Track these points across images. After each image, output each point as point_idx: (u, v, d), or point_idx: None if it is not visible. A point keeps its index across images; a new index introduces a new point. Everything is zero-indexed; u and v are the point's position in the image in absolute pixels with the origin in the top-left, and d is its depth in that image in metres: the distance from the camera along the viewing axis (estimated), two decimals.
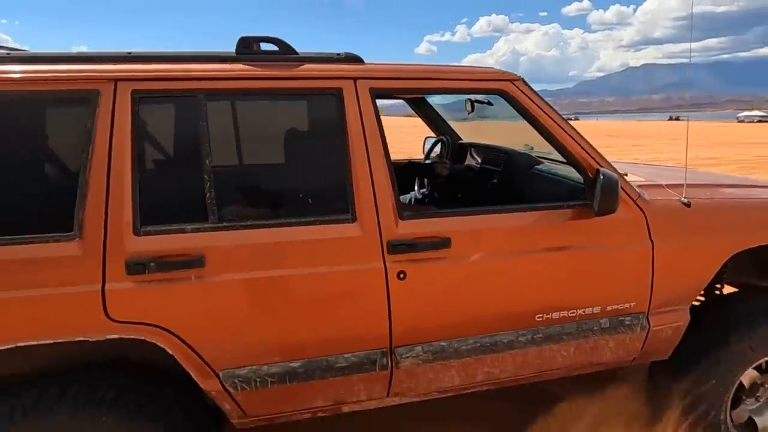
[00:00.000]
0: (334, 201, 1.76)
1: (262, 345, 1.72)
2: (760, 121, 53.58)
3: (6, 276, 1.51)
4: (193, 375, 1.68)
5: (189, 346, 1.65)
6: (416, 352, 1.85)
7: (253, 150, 1.95)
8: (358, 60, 1.86)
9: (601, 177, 1.82)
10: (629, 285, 2.04)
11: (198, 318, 1.65)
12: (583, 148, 1.98)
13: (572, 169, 2.13)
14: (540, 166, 2.59)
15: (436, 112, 3.47)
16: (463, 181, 3.02)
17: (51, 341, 1.55)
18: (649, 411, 2.19)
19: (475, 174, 3.01)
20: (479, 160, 3.12)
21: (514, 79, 1.95)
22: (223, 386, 1.70)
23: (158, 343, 1.62)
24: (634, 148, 20.60)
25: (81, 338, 1.57)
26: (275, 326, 1.72)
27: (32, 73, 1.59)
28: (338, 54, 1.85)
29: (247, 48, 1.78)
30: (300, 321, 1.73)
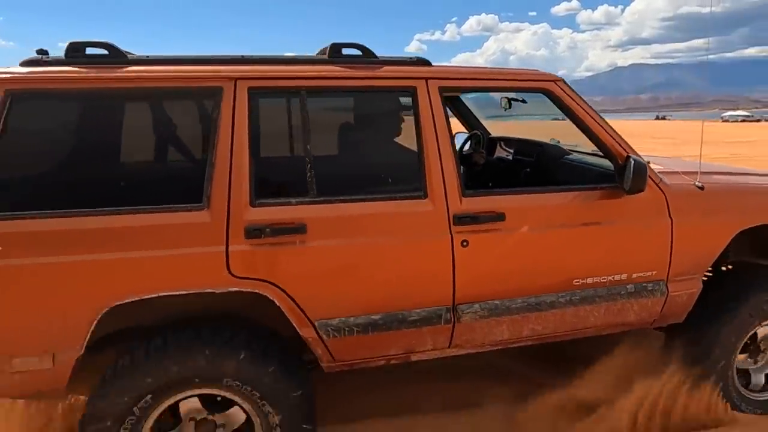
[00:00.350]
0: (410, 180, 2.11)
1: (350, 300, 2.06)
2: (743, 121, 54.40)
3: (152, 238, 1.85)
4: (294, 323, 2.02)
5: (292, 299, 1.99)
6: (474, 309, 2.20)
7: (343, 137, 2.28)
8: (427, 63, 2.21)
9: (632, 161, 2.17)
10: (651, 256, 2.39)
11: (300, 276, 1.99)
12: (613, 138, 2.34)
13: (598, 159, 2.49)
14: (569, 156, 2.94)
15: (469, 109, 3.82)
16: (497, 170, 3.37)
17: (184, 292, 1.89)
18: (664, 363, 2.52)
19: (507, 164, 3.36)
20: (510, 152, 3.47)
21: (556, 80, 2.31)
22: (318, 334, 2.05)
23: (269, 296, 1.96)
24: None
25: (209, 290, 1.91)
26: (361, 284, 2.07)
27: (168, 73, 1.93)
28: (411, 58, 2.19)
29: (338, 53, 2.12)
30: (381, 280, 2.08)
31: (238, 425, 2.05)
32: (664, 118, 71.38)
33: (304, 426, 2.05)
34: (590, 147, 2.52)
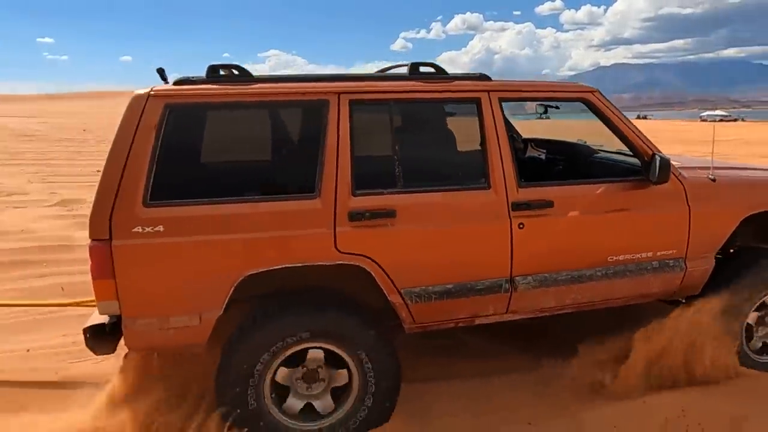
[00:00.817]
0: (476, 174, 2.58)
1: (429, 272, 2.53)
2: (721, 120, 55.10)
3: (277, 221, 2.32)
4: (385, 291, 2.48)
5: (384, 270, 2.46)
6: (528, 281, 2.66)
7: (423, 139, 2.76)
8: (488, 78, 2.68)
9: (658, 158, 2.64)
10: (672, 237, 2.86)
11: (390, 251, 2.46)
12: (640, 138, 2.80)
13: (623, 157, 2.95)
14: (597, 154, 3.41)
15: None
16: (530, 168, 3.83)
17: (301, 265, 2.36)
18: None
19: (540, 162, 3.83)
20: (542, 151, 3.94)
21: (593, 91, 2.78)
22: (403, 300, 2.51)
23: (366, 268, 2.43)
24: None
25: (320, 263, 2.38)
26: (438, 259, 2.53)
27: (288, 88, 2.41)
28: (475, 74, 2.67)
29: (416, 70, 2.60)
30: (454, 256, 2.55)
31: (337, 385, 2.51)
32: (645, 117, 71.91)
33: (392, 384, 2.50)
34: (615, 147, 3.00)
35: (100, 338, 2.29)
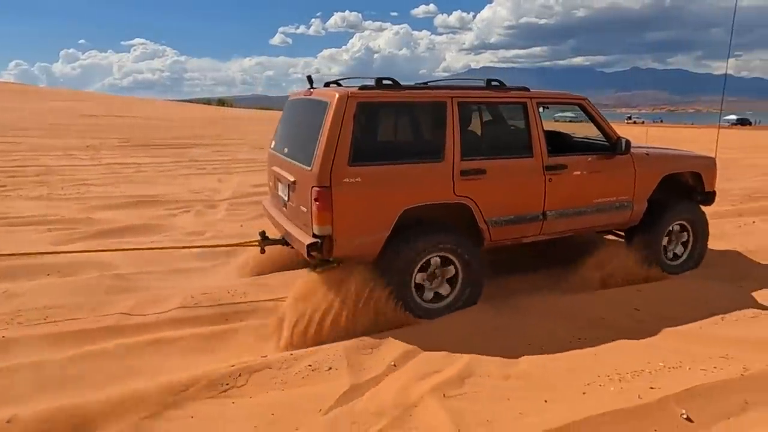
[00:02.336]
0: (526, 149, 4.21)
1: (502, 208, 4.13)
2: (570, 121, 63.20)
3: (423, 175, 3.78)
4: (478, 221, 4.03)
5: (478, 207, 4.02)
6: (553, 213, 4.36)
7: (498, 126, 4.33)
8: (528, 89, 4.32)
9: (623, 139, 4.46)
10: (626, 188, 4.71)
11: (482, 195, 4.01)
12: (610, 127, 4.61)
13: (590, 140, 4.78)
14: (576, 138, 5.22)
15: None
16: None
17: (435, 203, 3.84)
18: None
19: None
20: None
21: (586, 99, 4.54)
22: (487, 225, 4.08)
23: (469, 205, 3.97)
24: None
25: (444, 202, 3.88)
26: (507, 200, 4.14)
27: (425, 94, 3.87)
28: (522, 87, 4.30)
29: (488, 84, 4.18)
30: (515, 198, 4.16)
31: (448, 276, 4.03)
32: None
33: (481, 277, 4.07)
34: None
35: (315, 249, 3.61)
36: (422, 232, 3.86)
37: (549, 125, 5.53)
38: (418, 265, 3.86)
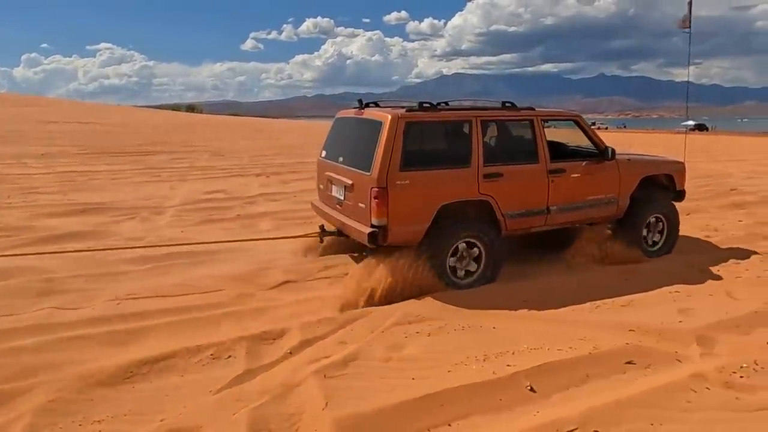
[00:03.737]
0: (532, 155, 5.28)
1: (515, 204, 5.19)
2: (554, 127, 65.10)
3: (455, 178, 4.83)
4: (497, 214, 5.09)
5: (497, 203, 5.07)
6: (554, 208, 5.43)
7: (511, 138, 5.39)
8: (533, 109, 5.40)
9: (610, 148, 5.56)
10: (613, 187, 5.80)
11: (500, 194, 5.07)
12: (599, 138, 5.71)
13: (582, 149, 5.88)
14: (570, 147, 6.31)
15: None
16: None
17: (464, 200, 4.90)
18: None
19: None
20: None
21: (579, 115, 5.64)
22: (503, 217, 5.14)
23: (490, 201, 5.02)
24: None
25: (471, 199, 4.93)
26: (519, 198, 5.20)
27: (456, 113, 4.94)
28: (529, 107, 5.37)
29: (503, 105, 5.26)
30: (526, 196, 5.23)
31: (473, 256, 5.07)
32: None
33: (501, 257, 5.12)
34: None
35: (374, 237, 4.63)
36: (457, 222, 4.90)
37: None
38: (453, 247, 4.89)
